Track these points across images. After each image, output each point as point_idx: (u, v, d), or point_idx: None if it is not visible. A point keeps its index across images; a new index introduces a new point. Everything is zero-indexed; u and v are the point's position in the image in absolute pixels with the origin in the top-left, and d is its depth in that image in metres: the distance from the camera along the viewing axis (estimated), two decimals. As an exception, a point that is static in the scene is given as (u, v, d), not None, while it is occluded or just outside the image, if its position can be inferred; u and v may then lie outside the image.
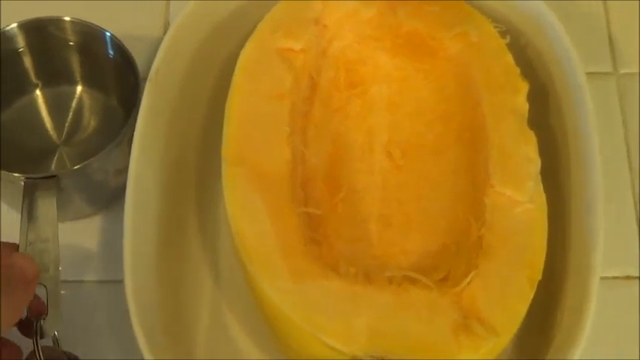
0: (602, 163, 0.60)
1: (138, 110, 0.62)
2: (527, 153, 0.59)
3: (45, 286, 0.57)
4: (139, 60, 0.68)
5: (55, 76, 0.72)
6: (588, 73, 0.64)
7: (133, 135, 0.61)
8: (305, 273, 0.55)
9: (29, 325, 0.56)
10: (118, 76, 0.70)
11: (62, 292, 0.58)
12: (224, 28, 0.67)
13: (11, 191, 0.64)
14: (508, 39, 0.64)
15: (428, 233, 0.61)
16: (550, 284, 0.59)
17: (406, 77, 0.66)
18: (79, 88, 0.73)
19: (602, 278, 0.57)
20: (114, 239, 0.67)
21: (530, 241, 0.57)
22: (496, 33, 0.64)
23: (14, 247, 0.58)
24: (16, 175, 0.62)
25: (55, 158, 0.70)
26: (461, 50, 0.64)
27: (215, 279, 0.66)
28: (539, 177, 0.59)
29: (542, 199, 0.58)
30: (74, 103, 0.72)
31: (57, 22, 0.69)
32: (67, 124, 0.71)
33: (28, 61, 0.71)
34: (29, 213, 0.60)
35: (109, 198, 0.69)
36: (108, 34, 0.68)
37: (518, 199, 0.57)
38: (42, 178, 0.62)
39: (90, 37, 0.69)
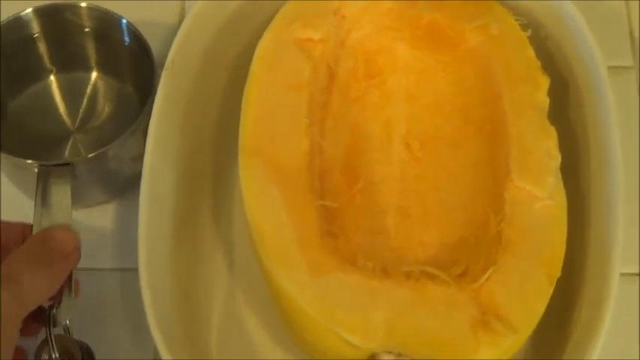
0: (622, 157, 0.60)
1: (153, 99, 0.62)
2: (548, 149, 0.59)
3: None
4: (154, 46, 0.67)
5: (69, 62, 0.71)
6: (609, 67, 0.63)
7: (148, 123, 0.61)
8: (322, 266, 0.54)
9: (41, 314, 0.56)
10: (134, 63, 0.69)
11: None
12: (240, 18, 0.67)
13: (25, 178, 0.64)
14: (529, 32, 0.63)
15: (446, 226, 0.61)
16: (569, 279, 0.58)
17: (425, 68, 0.66)
18: (93, 75, 0.72)
19: (621, 274, 0.56)
20: (128, 227, 0.66)
21: (550, 237, 0.56)
22: (517, 26, 0.64)
23: (28, 228, 0.57)
24: (29, 161, 0.61)
25: (69, 144, 0.69)
26: (481, 43, 0.63)
27: (229, 270, 0.66)
28: (559, 173, 0.58)
29: (562, 195, 0.58)
30: (89, 90, 0.72)
31: (73, 7, 0.68)
32: (81, 111, 0.71)
33: (42, 47, 0.70)
34: (43, 200, 0.60)
35: (123, 186, 0.68)
36: (124, 20, 0.68)
37: (538, 195, 0.57)
38: (56, 165, 0.62)
39: (106, 23, 0.69)
